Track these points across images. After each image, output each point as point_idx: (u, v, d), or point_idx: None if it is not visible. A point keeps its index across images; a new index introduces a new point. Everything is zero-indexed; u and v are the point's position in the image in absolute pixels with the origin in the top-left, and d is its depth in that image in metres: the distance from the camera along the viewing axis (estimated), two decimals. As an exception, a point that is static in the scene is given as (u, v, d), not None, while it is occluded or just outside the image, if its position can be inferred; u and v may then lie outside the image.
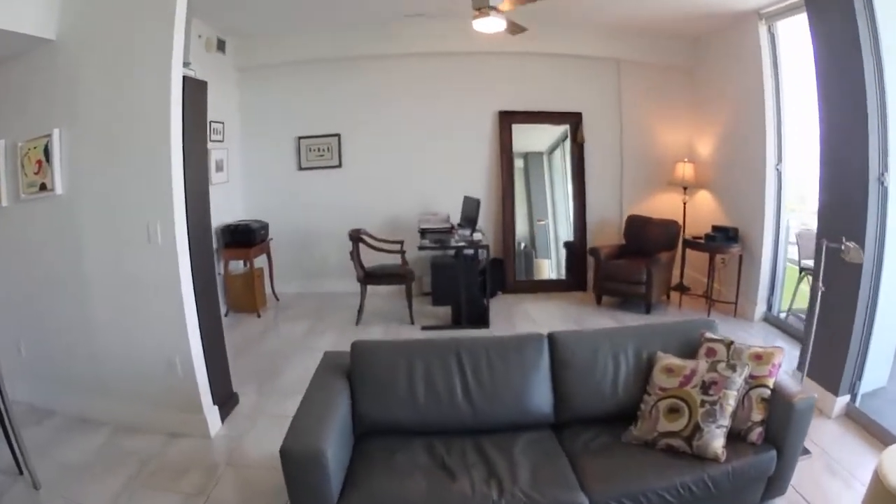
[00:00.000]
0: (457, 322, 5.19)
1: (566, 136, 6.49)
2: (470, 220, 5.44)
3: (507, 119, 6.26)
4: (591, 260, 6.09)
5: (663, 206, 6.37)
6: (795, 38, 4.65)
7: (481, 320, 5.16)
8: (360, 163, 6.35)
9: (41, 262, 3.52)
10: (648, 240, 5.92)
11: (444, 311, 5.57)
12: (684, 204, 6.17)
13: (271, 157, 6.37)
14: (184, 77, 3.15)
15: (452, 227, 5.54)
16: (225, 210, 5.86)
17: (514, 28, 4.13)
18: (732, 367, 2.41)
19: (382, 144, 6.32)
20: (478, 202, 5.46)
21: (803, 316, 4.42)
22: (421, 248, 5.17)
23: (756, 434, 2.37)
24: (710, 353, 2.60)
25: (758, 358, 2.49)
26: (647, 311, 5.55)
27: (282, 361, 4.46)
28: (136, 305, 3.33)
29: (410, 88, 6.24)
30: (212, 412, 3.41)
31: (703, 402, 2.35)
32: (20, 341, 3.69)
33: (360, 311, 5.32)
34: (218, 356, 3.59)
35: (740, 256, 5.37)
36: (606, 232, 6.52)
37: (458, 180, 6.29)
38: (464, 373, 2.61)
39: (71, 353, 3.55)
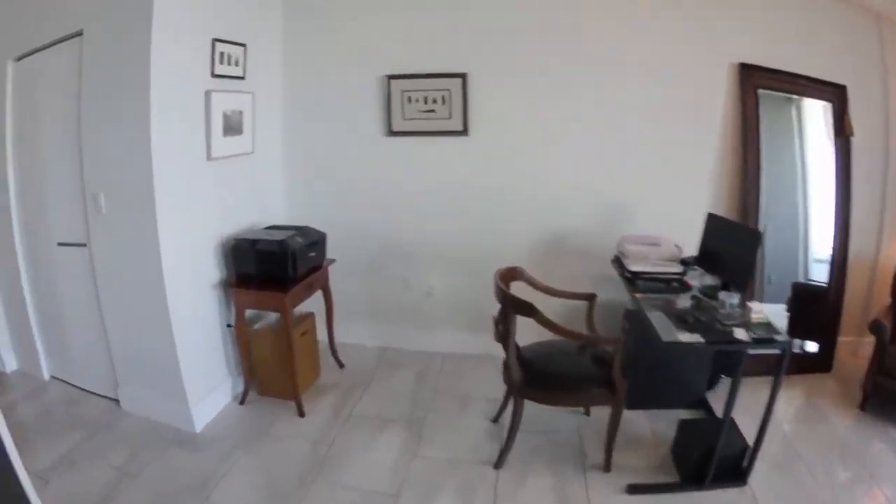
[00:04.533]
0: (695, 477, 2.53)
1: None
2: (727, 267, 2.72)
3: (751, 78, 3.47)
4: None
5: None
6: None
7: (734, 471, 2.55)
8: (502, 129, 3.44)
9: None
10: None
11: (648, 429, 2.97)
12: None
13: (338, 112, 3.59)
14: None
15: (684, 272, 2.89)
16: (244, 208, 3.22)
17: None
18: None
19: (543, 99, 3.39)
20: (754, 234, 2.71)
21: None
22: (679, 344, 2.25)
23: None
24: None
25: None
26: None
27: None
28: None
29: (594, 8, 3.32)
30: None
31: None
32: None
33: (506, 444, 2.66)
34: None
35: None
36: (858, 276, 3.86)
37: (673, 177, 3.46)
38: None
39: None
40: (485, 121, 3.43)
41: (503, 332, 2.50)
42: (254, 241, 2.92)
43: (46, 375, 3.52)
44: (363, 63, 3.49)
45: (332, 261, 3.36)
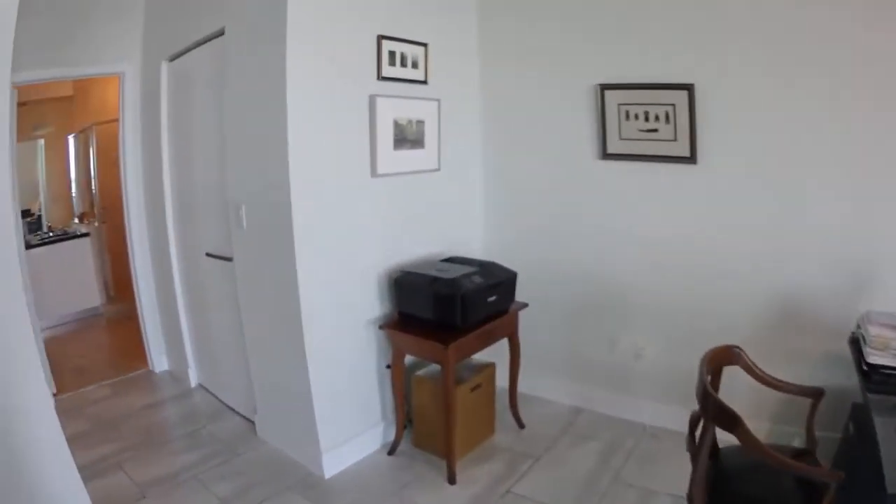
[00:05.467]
0: None
1: None
2: None
3: None
4: None
5: None
6: None
7: None
8: (738, 158, 2.60)
9: None
10: None
11: None
12: None
13: (541, 127, 3.05)
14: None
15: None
16: (420, 235, 2.84)
17: None
18: None
19: (792, 125, 2.49)
20: None
21: None
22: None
23: None
24: None
25: None
26: None
27: None
28: None
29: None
30: None
31: None
32: None
33: None
34: None
35: None
36: None
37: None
38: None
39: None
40: (717, 145, 2.64)
41: (699, 437, 1.77)
42: (420, 277, 2.47)
43: (193, 382, 3.42)
44: (571, 68, 2.90)
45: (524, 305, 2.80)
